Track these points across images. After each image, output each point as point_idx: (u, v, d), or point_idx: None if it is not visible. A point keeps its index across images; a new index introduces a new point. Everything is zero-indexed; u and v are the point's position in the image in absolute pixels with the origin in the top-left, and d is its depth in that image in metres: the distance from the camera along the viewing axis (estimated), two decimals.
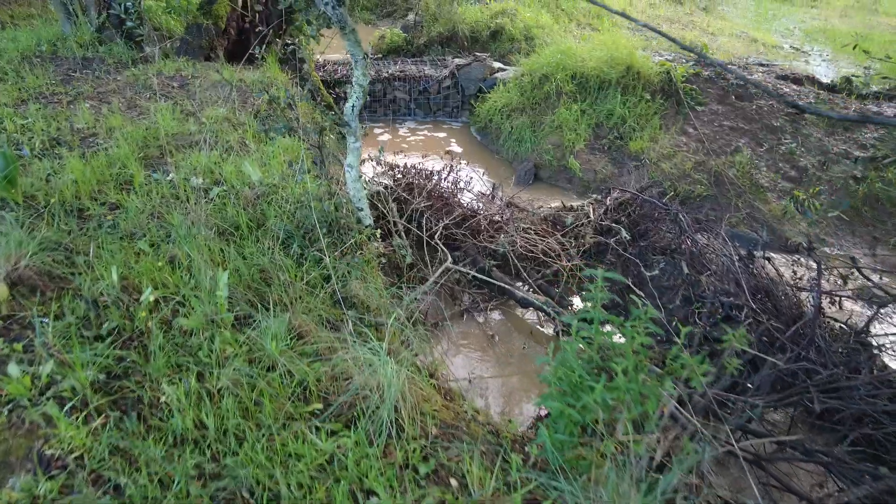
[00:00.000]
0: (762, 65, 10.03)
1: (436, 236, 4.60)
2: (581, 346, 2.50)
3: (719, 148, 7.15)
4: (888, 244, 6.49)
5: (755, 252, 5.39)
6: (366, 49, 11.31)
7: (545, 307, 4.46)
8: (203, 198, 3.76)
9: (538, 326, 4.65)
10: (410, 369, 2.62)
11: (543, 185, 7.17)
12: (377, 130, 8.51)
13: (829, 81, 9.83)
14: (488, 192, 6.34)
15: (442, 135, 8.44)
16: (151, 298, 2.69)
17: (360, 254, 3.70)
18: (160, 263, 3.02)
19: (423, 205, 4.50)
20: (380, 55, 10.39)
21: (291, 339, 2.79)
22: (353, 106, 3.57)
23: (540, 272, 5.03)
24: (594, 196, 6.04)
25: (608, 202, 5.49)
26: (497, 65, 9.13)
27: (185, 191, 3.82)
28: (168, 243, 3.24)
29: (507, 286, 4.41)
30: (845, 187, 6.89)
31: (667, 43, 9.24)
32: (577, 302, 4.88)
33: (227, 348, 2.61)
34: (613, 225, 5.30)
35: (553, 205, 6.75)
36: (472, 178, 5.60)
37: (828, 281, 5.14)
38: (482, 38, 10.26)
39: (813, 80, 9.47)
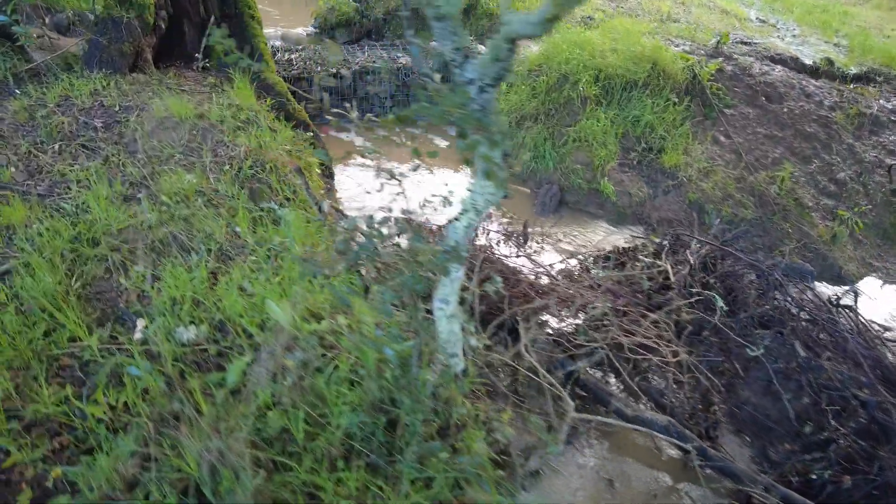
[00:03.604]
0: (745, 43, 9.32)
1: (524, 347, 3.36)
2: None
3: (756, 160, 6.35)
4: None
5: (846, 302, 4.67)
6: (308, 21, 9.27)
7: (671, 434, 3.43)
8: (211, 378, 2.25)
9: (656, 449, 3.62)
10: None
11: (569, 210, 6.03)
12: (346, 134, 6.86)
13: (811, 63, 9.29)
14: (517, 232, 5.12)
15: (429, 138, 6.97)
16: None
17: (472, 449, 2.41)
18: None
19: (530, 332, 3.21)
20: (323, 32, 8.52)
21: None
22: (467, 226, 2.17)
23: (631, 362, 3.98)
24: (657, 239, 5.00)
25: (692, 259, 4.47)
26: (482, 49, 7.66)
27: (172, 362, 2.28)
28: None
29: (646, 427, 3.30)
30: (885, 202, 6.39)
31: (677, 28, 8.20)
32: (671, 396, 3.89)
33: None
34: (704, 291, 4.31)
35: (592, 238, 5.68)
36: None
37: None
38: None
39: (796, 61, 8.92)
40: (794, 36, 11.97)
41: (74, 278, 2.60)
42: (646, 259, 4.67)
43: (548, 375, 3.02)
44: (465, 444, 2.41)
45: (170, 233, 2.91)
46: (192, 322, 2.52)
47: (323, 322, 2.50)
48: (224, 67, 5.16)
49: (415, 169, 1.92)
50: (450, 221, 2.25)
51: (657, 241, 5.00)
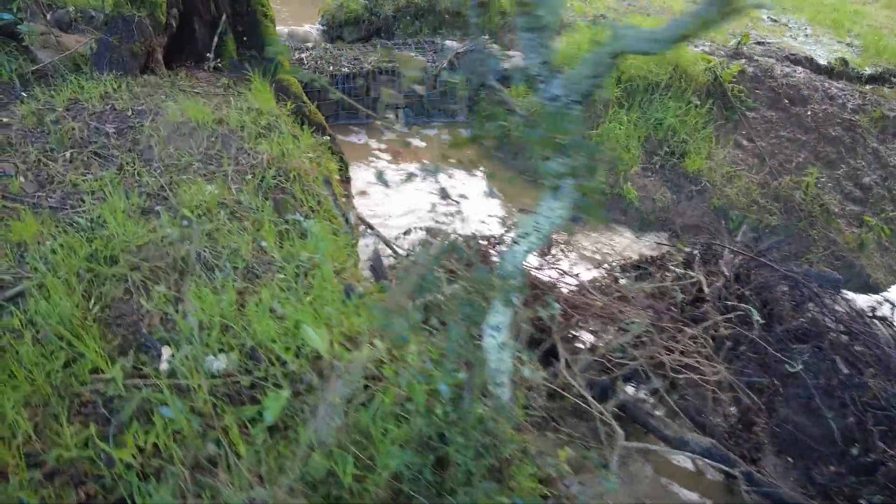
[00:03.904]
0: (759, 43, 9.16)
1: (572, 372, 3.18)
2: None
3: (780, 165, 6.19)
4: None
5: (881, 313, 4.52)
6: (315, 19, 9.02)
7: (714, 458, 3.27)
8: (246, 413, 2.07)
9: (697, 472, 3.47)
10: None
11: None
12: (356, 137, 6.66)
13: (825, 63, 9.11)
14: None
15: (444, 139, 6.77)
16: None
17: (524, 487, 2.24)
18: None
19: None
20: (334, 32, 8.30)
21: None
22: (527, 251, 2.00)
23: (669, 380, 3.81)
24: (686, 248, 4.83)
25: (726, 271, 4.30)
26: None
27: (204, 398, 2.09)
28: None
29: (690, 452, 3.14)
30: None
31: None
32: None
33: None
34: (740, 305, 4.15)
35: (616, 245, 5.50)
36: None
37: None
38: (466, 9, 8.44)
39: (811, 62, 8.76)
40: (806, 35, 11.79)
41: (92, 301, 2.41)
42: (676, 269, 4.51)
43: (597, 404, 2.85)
44: (517, 482, 2.24)
45: (192, 249, 2.72)
46: (221, 350, 2.33)
47: (364, 349, 2.31)
48: (238, 68, 4.95)
49: (489, 193, 1.74)
50: (509, 245, 2.07)
51: (686, 249, 4.83)
